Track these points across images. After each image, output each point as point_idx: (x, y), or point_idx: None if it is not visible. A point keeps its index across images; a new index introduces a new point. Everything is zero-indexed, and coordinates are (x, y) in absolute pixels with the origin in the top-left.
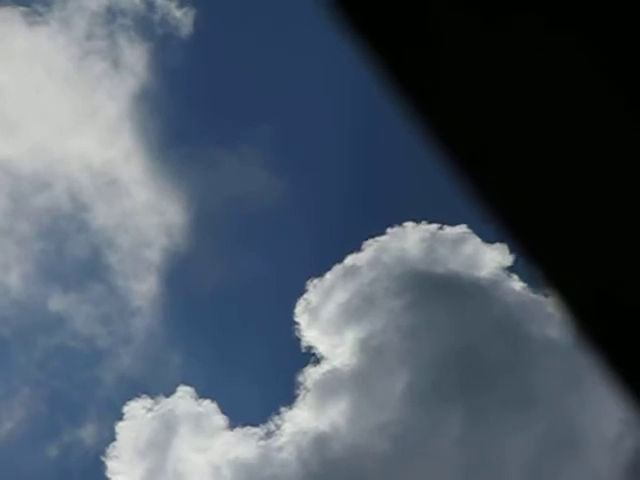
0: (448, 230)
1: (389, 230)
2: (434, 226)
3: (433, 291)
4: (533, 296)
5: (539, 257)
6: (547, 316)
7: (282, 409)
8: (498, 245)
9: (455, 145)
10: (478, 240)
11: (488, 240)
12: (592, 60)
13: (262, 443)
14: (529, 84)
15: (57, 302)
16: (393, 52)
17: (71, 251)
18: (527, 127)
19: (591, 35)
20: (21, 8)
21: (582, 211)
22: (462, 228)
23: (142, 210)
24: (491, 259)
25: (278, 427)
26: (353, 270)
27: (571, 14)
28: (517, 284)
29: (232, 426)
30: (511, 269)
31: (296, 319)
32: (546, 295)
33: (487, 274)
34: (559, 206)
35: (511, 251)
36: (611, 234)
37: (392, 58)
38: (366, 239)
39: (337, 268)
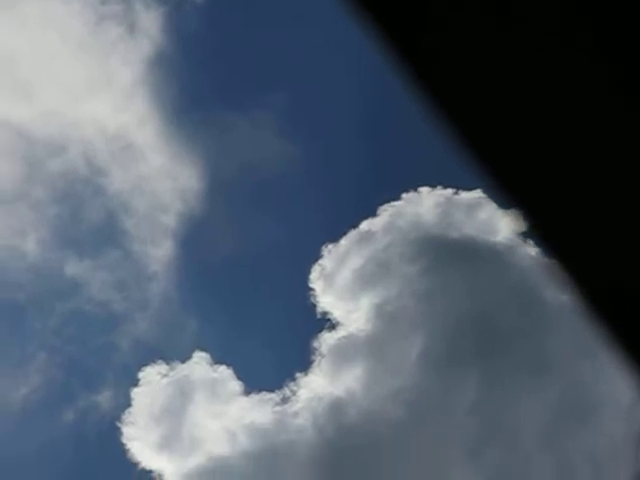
0: (463, 195)
1: (404, 195)
2: (449, 191)
3: (448, 256)
4: (549, 261)
5: (551, 242)
6: (559, 283)
7: (297, 375)
8: (514, 210)
9: (464, 121)
10: (494, 205)
11: (504, 205)
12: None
13: (277, 409)
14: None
15: (73, 267)
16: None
17: (86, 216)
18: (537, 109)
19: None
20: None
21: (591, 195)
22: (478, 193)
23: (157, 175)
24: (507, 224)
25: (293, 393)
26: (368, 235)
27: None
28: (533, 249)
29: (247, 392)
30: (527, 234)
31: (311, 285)
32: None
33: (502, 239)
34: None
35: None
36: (622, 219)
37: (396, 30)
38: (381, 204)
39: (352, 233)
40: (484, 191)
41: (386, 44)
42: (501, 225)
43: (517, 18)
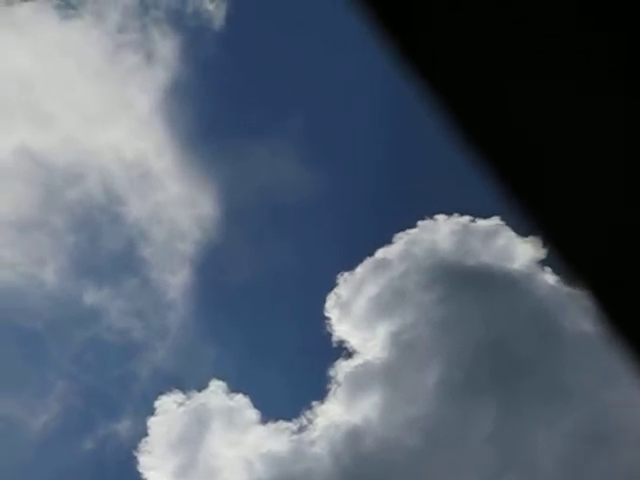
0: (480, 222)
1: (420, 223)
2: (466, 218)
3: (465, 284)
4: (566, 289)
5: (570, 254)
6: (580, 310)
7: (314, 403)
8: (531, 238)
9: (485, 139)
10: (511, 233)
11: (521, 233)
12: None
13: (294, 437)
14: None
15: (91, 295)
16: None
17: (105, 244)
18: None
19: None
20: (54, 1)
21: (610, 203)
22: (495, 220)
23: (175, 202)
24: (524, 252)
25: (310, 421)
26: (384, 263)
27: None
28: (550, 277)
29: (264, 420)
30: (544, 262)
31: (327, 313)
32: (576, 290)
33: (520, 267)
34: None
35: (544, 245)
36: None
37: (413, 47)
38: (397, 232)
39: (368, 261)
40: (502, 218)
41: (403, 63)
42: (518, 253)
43: (517, 19)
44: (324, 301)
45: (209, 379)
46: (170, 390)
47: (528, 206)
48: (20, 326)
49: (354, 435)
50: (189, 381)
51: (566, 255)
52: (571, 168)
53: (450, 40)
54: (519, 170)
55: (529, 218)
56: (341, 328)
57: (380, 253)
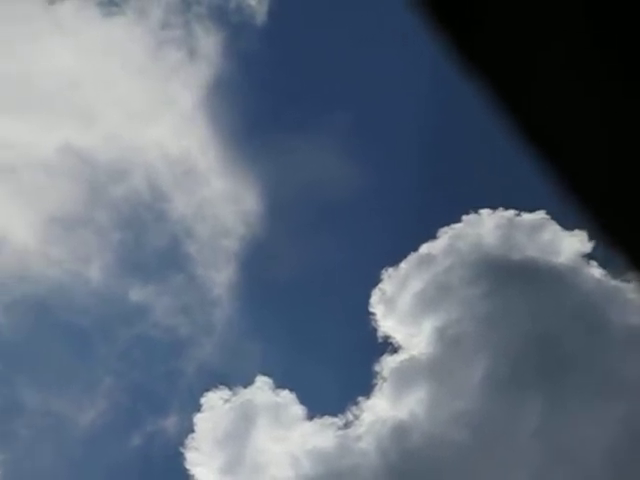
0: (525, 216)
1: (465, 217)
2: (511, 212)
3: (510, 278)
4: (612, 283)
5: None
6: (627, 303)
7: (359, 399)
8: (577, 232)
9: (536, 131)
10: (557, 227)
11: (567, 227)
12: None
13: (340, 433)
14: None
15: (137, 292)
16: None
17: (150, 241)
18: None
19: None
20: None
21: None
22: (540, 214)
23: (219, 199)
24: (570, 246)
25: (356, 417)
26: (429, 259)
27: None
28: (596, 271)
29: (310, 416)
30: (590, 256)
31: (372, 309)
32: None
33: (565, 260)
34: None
35: (591, 238)
36: None
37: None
38: (442, 227)
39: (412, 257)
40: (547, 212)
41: (453, 57)
42: (564, 246)
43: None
44: (369, 297)
45: (255, 375)
46: (216, 386)
47: (580, 198)
48: (67, 323)
49: (400, 430)
50: (235, 377)
51: (619, 247)
52: (622, 159)
53: (502, 34)
54: (571, 162)
55: (580, 210)
56: (386, 324)
57: (425, 248)
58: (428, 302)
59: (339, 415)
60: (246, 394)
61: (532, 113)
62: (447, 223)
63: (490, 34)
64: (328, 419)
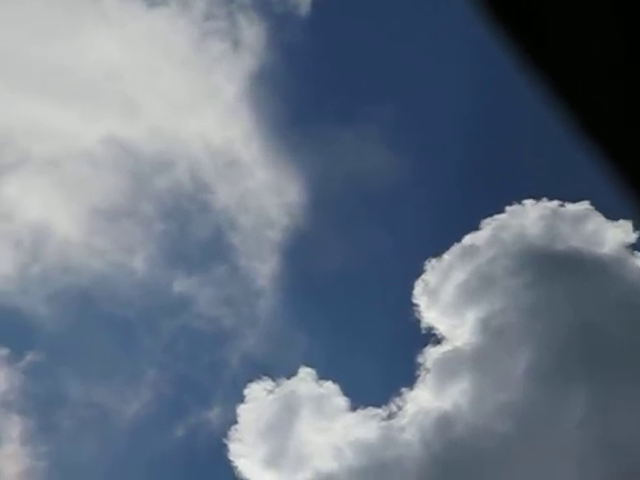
0: (569, 207)
1: (508, 208)
2: (555, 203)
3: (554, 269)
4: None
5: None
6: None
7: (403, 390)
8: (621, 222)
9: (588, 119)
10: (601, 217)
11: (611, 217)
12: None
13: (384, 424)
14: None
15: (181, 283)
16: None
17: (194, 232)
18: None
19: None
20: None
21: None
22: (584, 205)
23: (263, 190)
24: (614, 236)
25: (400, 408)
26: (472, 249)
27: None
28: None
29: (353, 407)
30: (634, 246)
31: (415, 300)
32: None
33: (609, 251)
34: None
35: (635, 228)
36: None
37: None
38: (485, 217)
39: (455, 248)
40: (591, 203)
41: (507, 48)
42: (608, 237)
43: None
44: (412, 288)
45: (298, 366)
46: (259, 377)
47: (628, 187)
48: (110, 314)
49: (444, 421)
50: (278, 368)
51: None
52: None
53: (558, 23)
54: (621, 151)
55: (626, 200)
56: (429, 315)
57: (468, 239)
58: (471, 293)
59: (382, 406)
60: (289, 385)
61: (585, 102)
62: (490, 214)
63: (547, 26)
64: (371, 410)
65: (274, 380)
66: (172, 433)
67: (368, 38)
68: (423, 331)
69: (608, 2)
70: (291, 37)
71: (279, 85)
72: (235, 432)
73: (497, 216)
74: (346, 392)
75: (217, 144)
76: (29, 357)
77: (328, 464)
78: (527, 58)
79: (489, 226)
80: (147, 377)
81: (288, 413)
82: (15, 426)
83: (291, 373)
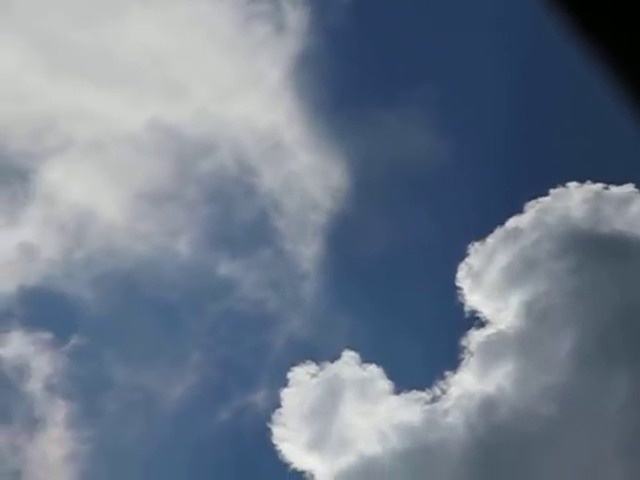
0: (614, 190)
1: (552, 191)
2: (599, 186)
3: (598, 252)
4: None
5: None
6: None
7: (447, 373)
8: None
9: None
10: None
11: None
12: None
13: (427, 407)
14: None
15: (225, 267)
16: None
17: (238, 215)
18: None
19: None
20: None
21: None
22: (629, 187)
23: (307, 173)
24: None
25: (443, 391)
26: (515, 232)
27: None
28: None
29: (397, 391)
30: None
31: (459, 284)
32: None
33: None
34: None
35: None
36: None
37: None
38: (529, 200)
39: (499, 231)
40: (636, 185)
41: (560, 26)
42: None
43: None
44: (456, 271)
45: (342, 350)
46: (303, 361)
47: None
48: (155, 298)
49: (488, 404)
50: (322, 352)
51: None
52: None
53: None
54: None
55: None
56: (473, 298)
57: (512, 222)
58: (515, 276)
59: (426, 389)
60: (333, 369)
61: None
62: (534, 197)
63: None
64: (415, 393)
65: (318, 364)
66: (216, 417)
67: (410, 20)
68: (467, 314)
69: None
70: (334, 20)
71: (323, 68)
72: (279, 416)
73: (541, 199)
74: (390, 375)
75: (261, 127)
76: (73, 341)
77: (372, 447)
78: (580, 33)
79: (533, 209)
80: (191, 360)
81: (332, 397)
82: (59, 410)
83: (335, 356)
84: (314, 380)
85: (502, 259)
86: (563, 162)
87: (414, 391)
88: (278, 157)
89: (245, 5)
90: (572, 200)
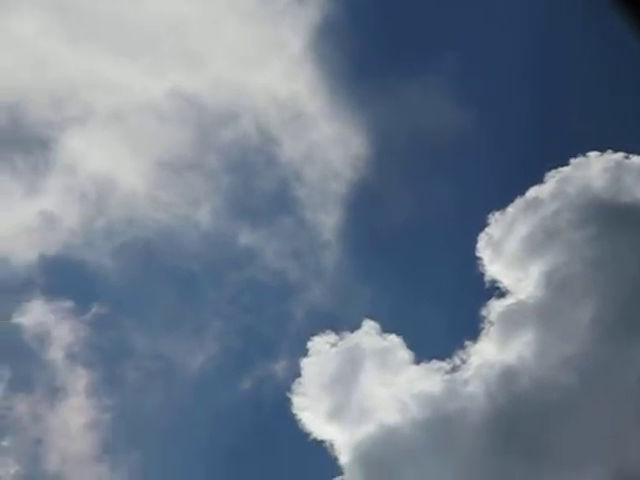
0: (634, 159)
1: (573, 161)
2: (619, 155)
3: (619, 222)
4: None
5: None
6: None
7: (467, 343)
8: None
9: None
10: None
11: None
12: None
13: (447, 377)
14: None
15: (246, 236)
16: None
17: (259, 184)
18: None
19: None
20: None
21: None
22: None
23: (328, 142)
24: None
25: (463, 361)
26: (536, 202)
27: None
28: None
29: (417, 360)
30: None
31: (479, 254)
32: None
33: None
34: None
35: None
36: None
37: None
38: (549, 170)
39: (519, 201)
40: None
41: None
42: None
43: None
44: (476, 241)
45: (362, 319)
46: (323, 331)
47: None
48: (176, 267)
49: (508, 374)
50: (342, 321)
51: None
52: None
53: None
54: None
55: None
56: (493, 268)
57: (532, 192)
58: (535, 246)
59: (446, 359)
60: (353, 338)
61: None
62: (555, 167)
63: None
64: (435, 363)
65: (337, 333)
66: (236, 386)
67: None
68: (487, 284)
69: None
70: None
71: (345, 37)
72: (299, 385)
73: (561, 169)
74: (410, 345)
75: (282, 97)
76: (94, 309)
77: (392, 417)
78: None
79: (553, 179)
80: (212, 330)
81: (352, 366)
82: (80, 378)
83: (355, 326)
84: (334, 350)
85: (522, 229)
86: (583, 132)
87: (434, 361)
88: (299, 126)
89: None
90: (593, 170)
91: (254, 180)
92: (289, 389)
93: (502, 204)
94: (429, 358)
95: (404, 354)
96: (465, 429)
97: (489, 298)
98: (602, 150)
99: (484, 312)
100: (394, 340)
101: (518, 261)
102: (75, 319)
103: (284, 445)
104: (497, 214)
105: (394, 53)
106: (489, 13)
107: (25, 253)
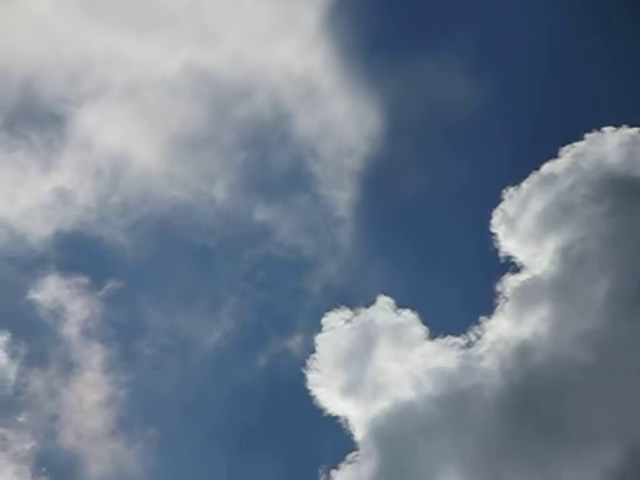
0: None
1: (587, 135)
2: (635, 130)
3: (634, 196)
4: None
5: None
6: None
7: (482, 318)
8: None
9: None
10: None
11: None
12: None
13: (462, 353)
14: None
15: (261, 212)
16: None
17: (274, 160)
18: None
19: None
20: None
21: None
22: None
23: (343, 118)
24: None
25: (478, 337)
26: (550, 178)
27: None
28: None
29: (432, 336)
30: None
31: (493, 230)
32: None
33: None
34: None
35: None
36: None
37: None
38: (563, 145)
39: (534, 176)
40: None
41: None
42: None
43: None
44: (490, 217)
45: (377, 295)
46: (337, 307)
47: None
48: (191, 243)
49: (523, 350)
50: (357, 297)
51: None
52: None
53: None
54: None
55: None
56: (508, 244)
57: (546, 167)
58: (550, 221)
59: (461, 335)
60: (368, 314)
61: None
62: (569, 142)
63: None
64: (450, 339)
65: (352, 309)
66: (251, 362)
67: None
68: (502, 260)
69: None
70: None
71: (360, 13)
72: (313, 361)
73: (576, 144)
74: (425, 321)
75: (297, 72)
76: (109, 285)
77: (406, 393)
78: None
79: (568, 154)
80: (227, 306)
81: (366, 342)
82: (96, 354)
83: (369, 302)
84: (348, 325)
85: (537, 204)
86: (598, 106)
87: (449, 336)
88: (314, 102)
89: None
90: (608, 144)
91: (269, 156)
92: (304, 365)
93: (517, 179)
94: (444, 334)
95: (419, 330)
96: (480, 405)
97: (504, 274)
98: (617, 125)
99: (499, 288)
100: (409, 316)
101: (533, 237)
102: (90, 295)
103: (299, 421)
104: (512, 189)
105: (408, 28)
106: None
107: (40, 229)
